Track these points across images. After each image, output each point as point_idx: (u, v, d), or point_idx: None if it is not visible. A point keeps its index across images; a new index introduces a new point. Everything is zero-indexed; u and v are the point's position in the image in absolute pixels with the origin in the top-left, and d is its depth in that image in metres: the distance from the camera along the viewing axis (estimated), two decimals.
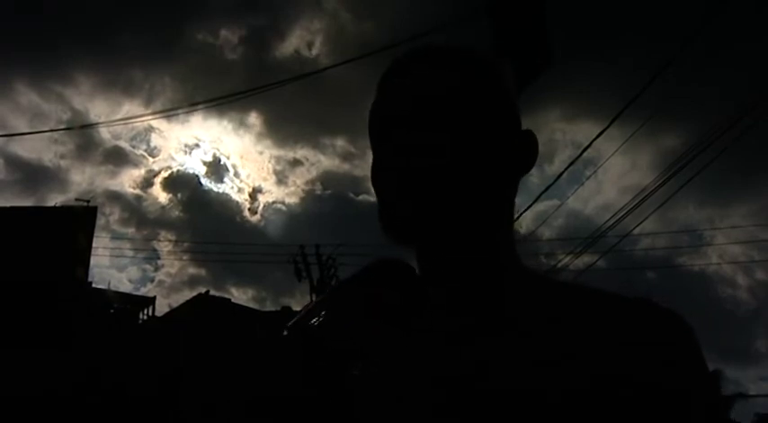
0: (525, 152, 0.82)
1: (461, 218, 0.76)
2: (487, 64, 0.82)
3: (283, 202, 44.74)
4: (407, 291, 0.78)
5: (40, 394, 16.53)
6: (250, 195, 50.47)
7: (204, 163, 52.85)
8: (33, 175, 41.01)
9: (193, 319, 19.89)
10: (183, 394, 17.29)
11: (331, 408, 0.74)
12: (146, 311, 25.44)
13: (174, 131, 50.00)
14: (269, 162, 49.32)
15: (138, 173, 48.21)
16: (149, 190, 51.96)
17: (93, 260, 24.29)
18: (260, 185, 48.59)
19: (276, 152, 46.59)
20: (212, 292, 23.18)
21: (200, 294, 22.58)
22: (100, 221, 25.76)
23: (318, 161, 45.86)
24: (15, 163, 41.79)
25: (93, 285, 24.17)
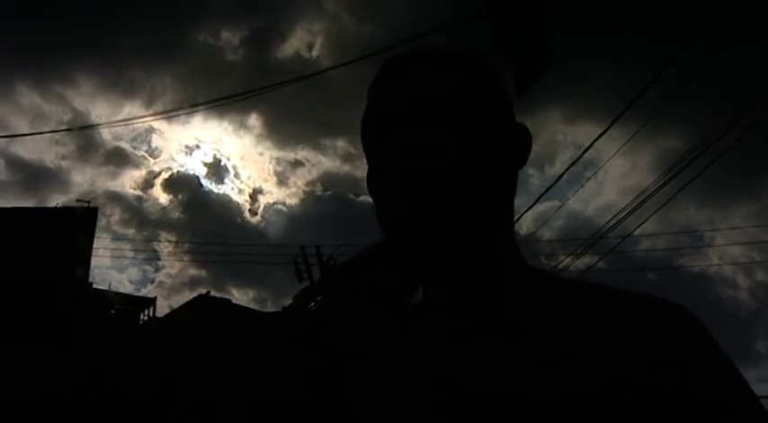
0: (520, 147, 0.83)
1: (461, 217, 0.75)
2: (484, 64, 0.83)
3: (284, 203, 44.80)
4: (406, 271, 0.79)
5: (40, 394, 16.53)
6: (251, 196, 50.57)
7: (205, 164, 52.96)
8: (35, 175, 41.08)
9: (194, 320, 19.90)
10: (183, 394, 17.29)
11: (330, 407, 0.74)
12: (146, 312, 25.46)
13: (175, 132, 50.07)
14: (269, 163, 49.40)
15: (138, 174, 48.33)
16: (150, 191, 52.04)
17: (93, 261, 24.37)
18: (260, 186, 48.70)
19: (277, 153, 46.66)
20: (213, 293, 23.21)
21: (200, 295, 22.60)
22: (101, 222, 25.83)
23: (319, 162, 45.95)
24: (17, 164, 41.86)
25: (94, 286, 24.21)
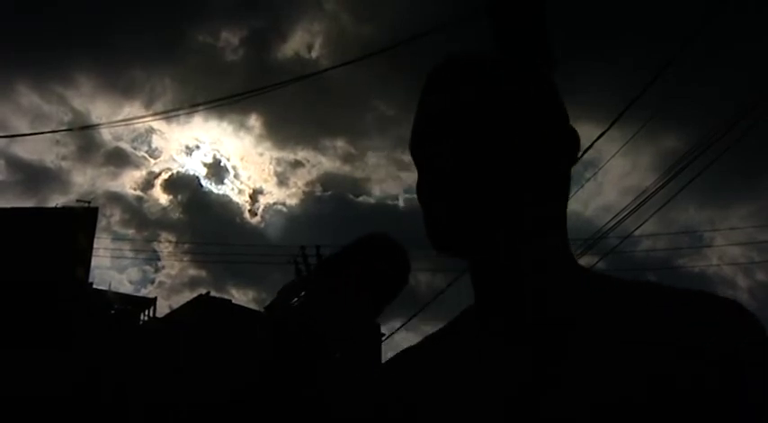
0: (568, 146, 0.82)
1: (498, 218, 0.76)
2: (515, 69, 0.84)
3: (284, 204, 44.75)
4: (396, 263, 0.79)
5: (40, 394, 16.53)
6: (250, 197, 50.53)
7: (205, 164, 52.91)
8: (35, 176, 41.08)
9: (194, 321, 19.90)
10: (184, 394, 17.28)
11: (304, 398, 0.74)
12: (146, 312, 25.46)
13: (175, 133, 50.06)
14: (269, 164, 49.38)
15: (138, 174, 48.34)
16: (150, 191, 52.00)
17: (93, 261, 24.33)
18: (260, 187, 48.69)
19: (276, 154, 46.64)
20: (213, 294, 23.20)
21: (200, 295, 22.60)
22: (100, 223, 25.80)
23: (319, 163, 45.95)
24: (17, 164, 41.88)
25: (94, 286, 24.20)
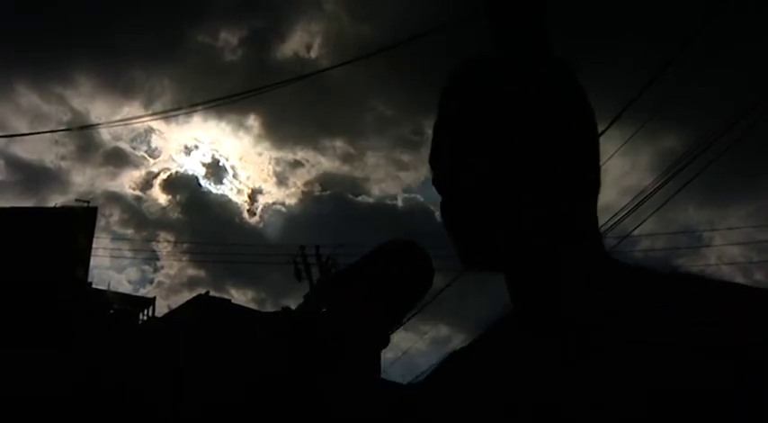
0: (588, 142, 0.81)
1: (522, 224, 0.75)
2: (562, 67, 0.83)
3: (283, 204, 44.75)
4: (420, 266, 0.79)
5: (40, 394, 16.53)
6: (249, 197, 50.57)
7: (204, 164, 52.90)
8: (34, 176, 41.07)
9: (194, 320, 19.89)
10: (184, 394, 17.29)
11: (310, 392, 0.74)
12: (145, 312, 25.45)
13: (174, 133, 50.06)
14: (269, 163, 49.35)
15: (138, 174, 48.29)
16: (149, 191, 52.01)
17: (92, 261, 24.32)
18: (260, 187, 48.69)
19: (276, 154, 46.60)
20: (212, 294, 23.18)
21: (199, 295, 22.58)
22: (100, 222, 25.77)
23: (318, 163, 45.87)
24: (16, 164, 41.90)
25: (93, 286, 24.19)
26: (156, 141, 51.74)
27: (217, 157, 47.77)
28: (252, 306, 24.71)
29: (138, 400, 17.17)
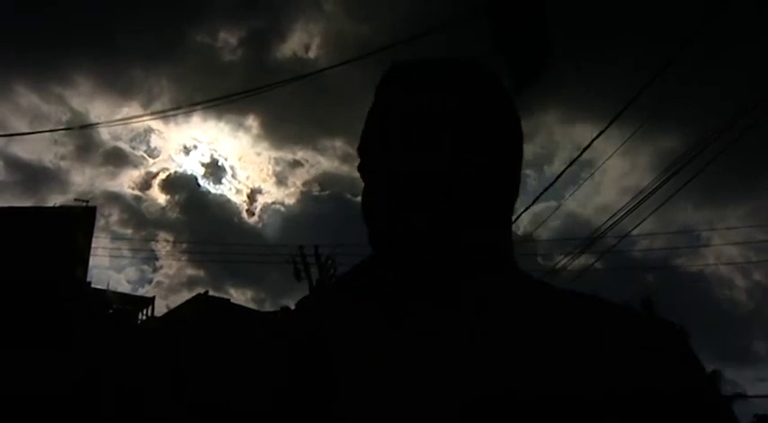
0: (518, 148, 0.83)
1: (457, 226, 0.77)
2: (486, 77, 0.84)
3: (282, 203, 44.80)
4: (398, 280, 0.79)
5: (40, 394, 16.53)
6: (248, 196, 50.58)
7: (203, 164, 52.97)
8: (33, 175, 41.17)
9: (193, 320, 19.89)
10: (185, 394, 17.28)
11: (315, 396, 0.75)
12: (145, 312, 25.45)
13: (174, 133, 50.10)
14: (268, 163, 49.38)
15: (137, 174, 48.44)
16: (148, 191, 52.00)
17: (91, 261, 24.33)
18: (259, 187, 48.72)
19: (275, 153, 46.69)
20: (211, 293, 23.18)
21: (199, 294, 22.59)
22: (99, 222, 25.78)
23: (317, 162, 45.96)
24: (16, 164, 41.88)
25: (92, 286, 24.18)
26: (155, 141, 51.93)
27: (216, 156, 47.93)
28: (251, 306, 24.72)
29: (137, 399, 17.16)
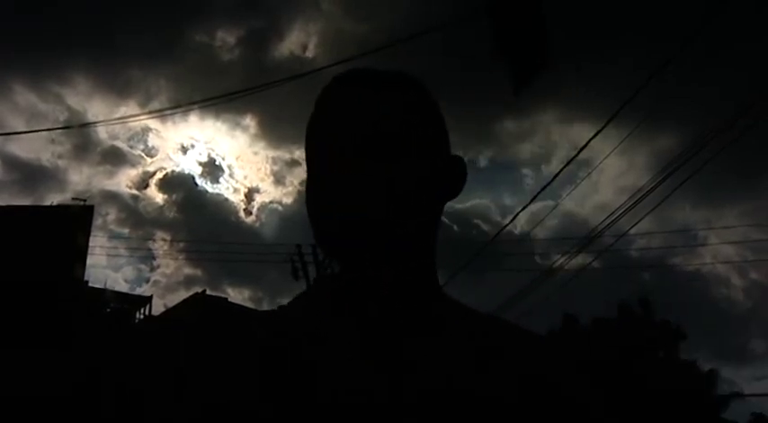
0: (452, 178, 0.85)
1: (389, 240, 0.78)
2: (423, 91, 0.85)
3: (280, 202, 44.75)
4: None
5: (40, 394, 16.51)
6: (246, 196, 50.55)
7: (200, 163, 52.95)
8: (31, 174, 41.16)
9: (191, 319, 19.88)
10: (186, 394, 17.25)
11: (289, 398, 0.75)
12: (142, 311, 25.43)
13: (171, 132, 50.03)
14: (266, 162, 49.38)
15: (134, 173, 48.43)
16: (146, 190, 51.95)
17: (89, 260, 24.29)
18: (257, 186, 48.69)
19: (273, 153, 46.71)
20: (208, 292, 23.15)
21: (196, 293, 22.56)
22: (96, 221, 25.77)
23: None
24: (13, 163, 41.87)
25: (90, 285, 24.15)
26: (152, 140, 51.80)
27: (213, 156, 47.93)
28: (249, 305, 24.70)
29: (137, 399, 17.15)
